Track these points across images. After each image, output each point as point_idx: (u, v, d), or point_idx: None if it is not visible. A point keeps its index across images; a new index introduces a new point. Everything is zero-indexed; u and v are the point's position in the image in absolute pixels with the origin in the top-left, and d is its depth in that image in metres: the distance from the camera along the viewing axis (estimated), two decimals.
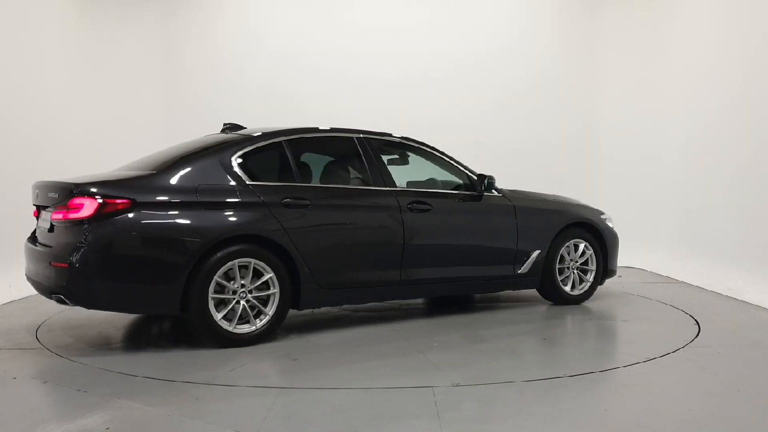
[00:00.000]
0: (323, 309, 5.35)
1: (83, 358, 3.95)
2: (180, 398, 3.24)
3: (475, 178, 5.30)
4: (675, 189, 7.66)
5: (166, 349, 4.28)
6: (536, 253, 5.41)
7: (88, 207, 3.88)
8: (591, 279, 5.71)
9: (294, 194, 4.44)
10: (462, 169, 5.35)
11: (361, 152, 4.91)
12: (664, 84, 7.95)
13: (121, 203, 3.92)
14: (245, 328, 4.21)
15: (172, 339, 4.63)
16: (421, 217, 4.89)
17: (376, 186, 4.84)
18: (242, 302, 4.18)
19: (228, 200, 4.21)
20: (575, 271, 5.65)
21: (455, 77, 8.43)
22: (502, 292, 6.08)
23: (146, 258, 3.97)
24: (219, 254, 4.08)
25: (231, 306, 4.15)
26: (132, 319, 5.05)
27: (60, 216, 3.98)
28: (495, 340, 4.53)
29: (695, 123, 7.32)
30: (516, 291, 5.95)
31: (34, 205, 4.52)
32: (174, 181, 4.16)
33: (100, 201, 3.89)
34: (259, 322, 4.25)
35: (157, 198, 4.05)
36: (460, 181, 5.35)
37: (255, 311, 4.25)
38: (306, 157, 4.91)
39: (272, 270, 4.26)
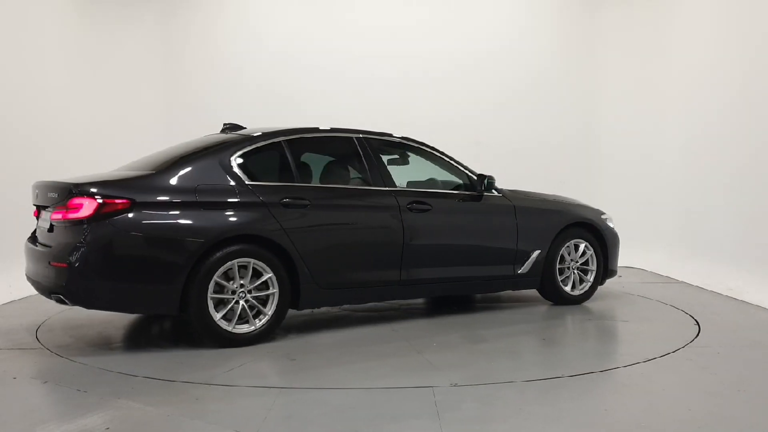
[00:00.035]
0: (323, 309, 5.35)
1: (83, 358, 3.95)
2: (180, 398, 3.24)
3: (475, 178, 5.29)
4: (675, 189, 7.66)
5: (166, 349, 4.28)
6: (536, 253, 5.41)
7: (87, 207, 3.89)
8: (591, 279, 5.71)
9: (293, 194, 4.44)
10: (462, 169, 5.35)
11: (361, 152, 4.91)
12: (664, 84, 7.95)
13: (121, 203, 3.92)
14: (244, 328, 4.21)
15: (172, 339, 4.63)
16: (420, 217, 4.89)
17: (375, 186, 4.84)
18: (241, 302, 4.18)
19: (227, 200, 4.21)
20: (575, 272, 5.65)
21: (455, 77, 8.43)
22: (502, 293, 6.08)
23: (145, 258, 3.97)
24: (218, 254, 4.08)
25: (230, 306, 4.15)
26: (132, 319, 5.05)
27: (59, 216, 3.98)
28: (494, 340, 4.53)
29: (695, 123, 7.32)
30: (516, 291, 5.95)
31: (34, 205, 4.52)
32: (173, 181, 4.16)
33: (100, 201, 3.89)
34: (259, 322, 4.25)
35: (157, 198, 4.05)
36: (460, 181, 5.35)
37: (254, 311, 4.25)
38: (305, 157, 4.91)
39: (271, 270, 4.26)
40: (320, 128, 4.98)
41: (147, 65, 8.29)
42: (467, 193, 5.28)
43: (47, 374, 3.68)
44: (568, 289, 5.60)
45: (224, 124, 5.13)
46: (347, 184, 4.93)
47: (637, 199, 8.14)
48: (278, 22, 8.38)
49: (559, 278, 5.56)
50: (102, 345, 4.35)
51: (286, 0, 8.46)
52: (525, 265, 5.38)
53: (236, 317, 4.17)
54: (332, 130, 5.01)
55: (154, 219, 3.99)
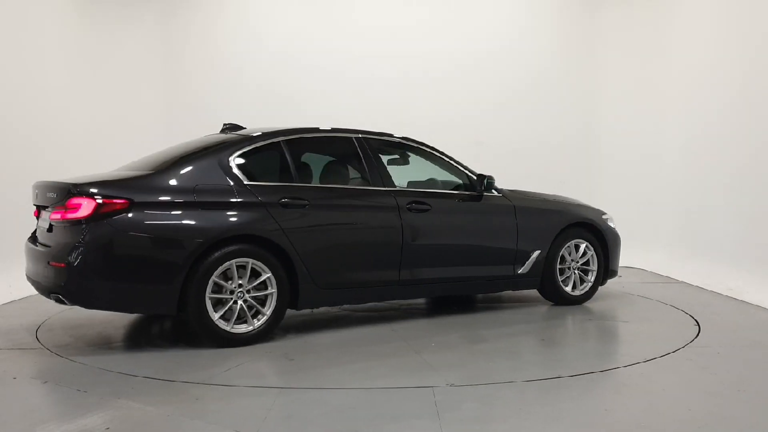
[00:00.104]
0: (322, 309, 5.35)
1: (83, 358, 3.95)
2: (180, 398, 3.24)
3: (475, 178, 5.29)
4: (675, 189, 7.66)
5: (165, 348, 4.28)
6: (536, 253, 5.40)
7: (85, 207, 3.89)
8: (592, 279, 5.70)
9: (292, 194, 4.44)
10: (462, 169, 5.35)
11: (360, 152, 4.91)
12: (664, 84, 7.95)
13: (119, 203, 3.92)
14: (242, 328, 4.21)
15: (171, 338, 4.63)
16: (420, 217, 4.89)
17: (375, 186, 4.84)
18: (240, 302, 4.19)
19: (226, 200, 4.22)
20: (576, 272, 5.65)
21: (455, 77, 8.43)
22: (503, 293, 6.07)
23: (144, 258, 3.97)
24: (216, 254, 4.09)
25: (229, 306, 4.15)
26: (132, 318, 5.05)
27: (58, 216, 3.98)
28: (494, 340, 4.53)
29: (695, 123, 7.32)
30: (517, 291, 5.95)
31: (35, 205, 4.52)
32: (172, 181, 4.16)
33: (98, 201, 3.89)
34: (257, 322, 4.25)
35: (155, 198, 4.05)
36: (460, 181, 5.34)
37: (253, 311, 4.25)
38: (305, 157, 4.91)
39: (270, 270, 4.26)
40: (320, 128, 4.98)
41: (147, 65, 8.29)
42: (467, 193, 5.27)
43: (47, 374, 3.68)
44: (568, 289, 5.60)
45: (224, 124, 5.13)
46: (346, 184, 4.92)
47: (637, 199, 8.14)
48: (278, 22, 8.38)
49: (560, 278, 5.55)
50: (102, 345, 4.35)
51: (286, 0, 8.46)
52: (525, 265, 5.37)
53: (235, 317, 4.17)
54: (332, 130, 5.01)
55: (153, 219, 3.99)
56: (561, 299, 5.60)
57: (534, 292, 5.78)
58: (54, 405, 3.29)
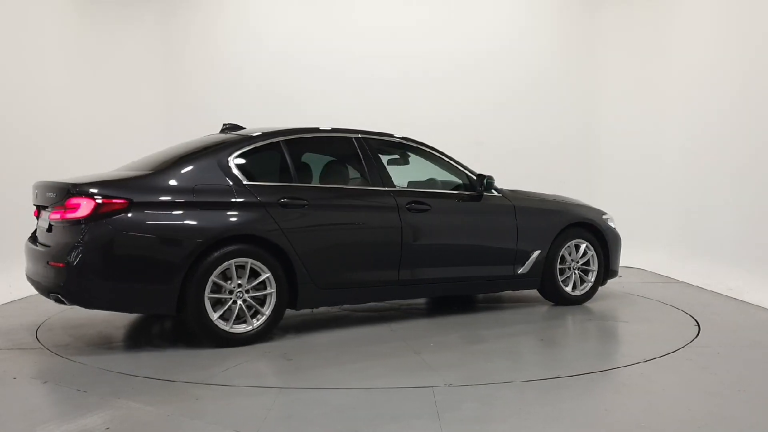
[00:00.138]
0: (322, 309, 5.35)
1: (83, 358, 3.95)
2: (180, 398, 3.24)
3: (475, 178, 5.29)
4: (675, 189, 7.65)
5: (166, 348, 4.28)
6: (536, 253, 5.40)
7: (85, 207, 3.89)
8: (592, 279, 5.70)
9: (291, 194, 4.44)
10: (461, 169, 5.35)
11: (360, 152, 4.91)
12: (664, 84, 7.95)
13: (118, 203, 3.92)
14: (241, 328, 4.21)
15: (172, 338, 4.63)
16: (419, 217, 4.89)
17: (374, 186, 4.84)
18: (239, 302, 4.19)
19: (225, 200, 4.22)
20: (576, 272, 5.64)
21: (455, 77, 8.43)
22: (503, 293, 6.07)
23: (143, 258, 3.97)
24: (216, 254, 4.09)
25: (228, 306, 4.16)
26: (132, 318, 5.05)
27: (58, 216, 3.99)
28: (494, 340, 4.53)
29: (695, 123, 7.32)
30: (517, 291, 5.94)
31: (35, 205, 4.52)
32: (171, 181, 4.16)
33: (97, 201, 3.89)
34: (256, 322, 4.26)
35: (154, 198, 4.05)
36: (460, 181, 5.34)
37: (252, 311, 4.25)
38: (304, 157, 4.91)
39: (269, 270, 4.26)
40: (320, 128, 4.98)
41: (147, 65, 8.29)
42: (466, 193, 5.27)
43: (47, 374, 3.68)
44: (568, 289, 5.60)
45: (224, 124, 5.13)
46: (346, 184, 4.92)
47: (637, 199, 8.14)
48: (278, 22, 8.38)
49: (560, 278, 5.55)
50: (102, 345, 4.35)
51: (286, 0, 8.46)
52: (525, 265, 5.37)
53: (234, 317, 4.17)
54: (332, 130, 5.01)
55: (152, 219, 3.99)
56: (561, 299, 5.60)
57: (534, 293, 5.78)
58: (54, 405, 3.29)
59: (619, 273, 6.14)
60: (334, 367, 3.83)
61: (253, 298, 4.24)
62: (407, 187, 5.21)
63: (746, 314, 5.36)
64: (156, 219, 4.01)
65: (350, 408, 3.12)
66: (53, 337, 4.53)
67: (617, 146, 8.44)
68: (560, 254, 5.53)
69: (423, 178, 5.43)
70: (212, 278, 4.08)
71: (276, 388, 3.45)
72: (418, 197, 4.95)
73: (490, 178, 5.27)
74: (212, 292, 4.10)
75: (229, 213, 4.21)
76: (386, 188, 4.86)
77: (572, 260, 5.62)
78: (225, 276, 4.16)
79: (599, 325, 5.07)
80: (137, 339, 4.60)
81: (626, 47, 8.42)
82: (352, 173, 5.00)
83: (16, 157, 6.39)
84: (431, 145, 5.35)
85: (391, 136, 5.20)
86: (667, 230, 7.73)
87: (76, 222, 3.90)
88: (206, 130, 5.43)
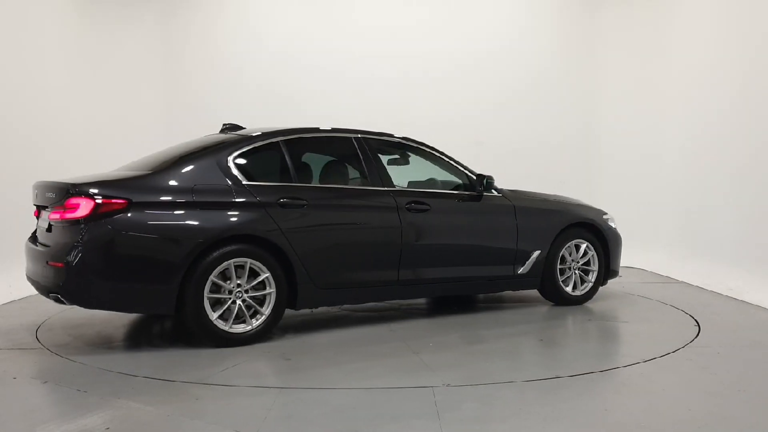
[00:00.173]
0: (323, 309, 5.35)
1: (83, 358, 3.95)
2: (180, 398, 3.24)
3: (475, 178, 5.29)
4: (675, 189, 7.65)
5: (166, 348, 4.28)
6: (537, 253, 5.40)
7: (84, 207, 3.89)
8: (592, 280, 5.70)
9: (290, 194, 4.44)
10: (461, 169, 5.35)
11: (359, 152, 4.91)
12: (664, 84, 7.94)
13: (117, 203, 3.92)
14: (240, 328, 4.21)
15: (172, 338, 4.63)
16: (419, 217, 4.89)
17: (374, 186, 4.84)
18: (238, 302, 4.19)
19: (224, 200, 4.22)
20: (577, 272, 5.64)
21: (455, 77, 8.43)
22: (503, 293, 6.07)
23: (142, 258, 3.97)
24: (215, 254, 4.09)
25: (227, 306, 4.16)
26: (132, 318, 5.05)
27: (57, 216, 3.99)
28: (493, 340, 4.53)
29: (695, 123, 7.32)
30: (518, 292, 5.94)
31: (35, 205, 4.52)
32: (170, 181, 4.16)
33: (96, 201, 3.90)
34: (255, 322, 4.26)
35: (153, 198, 4.06)
36: (460, 181, 5.34)
37: (251, 311, 4.25)
38: (304, 158, 4.91)
39: (268, 270, 4.26)
40: (320, 128, 4.98)
41: (147, 65, 8.29)
42: (466, 193, 5.27)
43: (47, 374, 3.68)
44: (569, 289, 5.59)
45: (224, 124, 5.13)
46: (345, 184, 4.92)
47: (637, 199, 8.14)
48: (278, 22, 8.38)
49: (560, 278, 5.55)
50: (102, 345, 4.35)
51: (286, 0, 8.46)
52: (525, 265, 5.37)
53: (233, 317, 4.17)
54: (332, 130, 5.01)
55: (151, 219, 4.00)
56: (561, 299, 5.60)
57: (535, 293, 5.78)
58: (54, 405, 3.29)
59: (620, 273, 6.14)
60: (333, 367, 3.83)
61: (252, 298, 4.24)
62: (407, 187, 5.21)
63: (746, 314, 5.36)
64: (155, 219, 4.01)
65: (350, 408, 3.12)
66: (53, 337, 4.53)
67: (617, 146, 8.44)
68: (560, 254, 5.53)
69: (423, 178, 5.43)
70: (211, 278, 4.08)
71: (276, 388, 3.45)
72: (417, 197, 4.95)
73: (489, 178, 5.26)
74: (211, 292, 4.10)
75: (228, 213, 4.20)
76: (386, 188, 4.86)
77: (572, 260, 5.62)
78: (224, 276, 4.16)
79: (599, 325, 5.07)
80: (137, 339, 4.60)
81: (626, 47, 8.42)
82: (352, 173, 5.00)
83: (16, 157, 6.39)
84: (431, 145, 5.35)
85: (391, 136, 5.20)
86: (667, 230, 7.73)
87: (76, 222, 3.90)
88: (206, 130, 5.43)
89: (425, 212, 4.92)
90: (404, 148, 5.31)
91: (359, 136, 4.98)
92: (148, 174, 4.19)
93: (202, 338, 4.16)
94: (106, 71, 8.02)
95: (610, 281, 5.98)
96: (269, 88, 8.21)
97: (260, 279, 4.25)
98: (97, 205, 3.89)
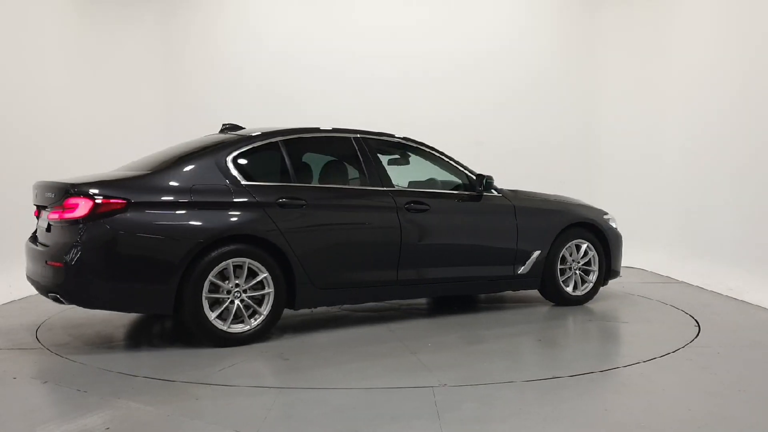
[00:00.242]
0: (322, 309, 5.35)
1: (83, 358, 3.95)
2: (180, 398, 3.24)
3: (474, 178, 5.29)
4: (675, 189, 7.65)
5: (166, 348, 4.28)
6: (537, 253, 5.39)
7: (82, 207, 3.89)
8: (593, 280, 5.69)
9: (289, 194, 4.43)
10: (461, 169, 5.34)
11: (359, 152, 4.90)
12: (664, 84, 7.95)
13: (116, 203, 3.93)
14: (239, 328, 4.21)
15: (172, 338, 4.63)
16: (418, 217, 4.89)
17: (373, 186, 4.84)
18: (237, 302, 4.19)
19: (222, 200, 4.22)
20: (577, 272, 5.64)
21: (455, 77, 8.43)
22: (504, 293, 6.07)
23: (140, 258, 3.97)
24: (213, 254, 4.09)
25: (225, 306, 4.16)
26: (132, 318, 5.05)
27: (56, 216, 3.99)
28: (492, 341, 4.52)
29: (695, 123, 7.32)
30: (518, 292, 5.94)
31: (35, 205, 4.52)
32: (169, 181, 4.16)
33: (95, 201, 3.90)
34: (254, 322, 4.26)
35: (152, 198, 4.06)
36: (460, 181, 5.34)
37: (250, 311, 4.25)
38: (303, 158, 4.91)
39: (267, 270, 4.26)
40: (320, 128, 4.98)
41: (147, 65, 8.29)
42: (466, 193, 5.27)
43: (47, 374, 3.68)
44: (569, 289, 5.59)
45: (223, 125, 5.13)
46: (345, 184, 4.92)
47: (637, 199, 8.14)
48: (278, 22, 8.38)
49: (561, 279, 5.54)
50: (102, 344, 4.35)
51: (286, 0, 8.46)
52: (525, 265, 5.37)
53: (231, 317, 4.17)
54: (332, 130, 5.01)
55: (150, 219, 4.00)
56: (562, 300, 5.59)
57: (535, 293, 5.78)
58: (54, 405, 3.29)
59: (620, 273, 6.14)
60: (332, 367, 3.83)
61: (250, 297, 4.24)
62: (408, 187, 5.20)
63: (746, 314, 5.36)
64: (153, 219, 4.01)
65: (350, 408, 3.12)
66: (53, 336, 4.53)
67: (617, 146, 8.44)
68: (561, 254, 5.52)
69: (423, 178, 5.43)
70: (210, 278, 4.08)
71: (276, 388, 3.45)
72: (417, 197, 4.95)
73: (489, 178, 5.26)
74: (210, 291, 4.10)
75: (226, 213, 4.20)
76: (385, 188, 4.86)
77: (573, 260, 5.61)
78: (223, 276, 4.16)
79: (599, 325, 5.07)
80: (137, 339, 4.60)
81: (626, 47, 8.42)
82: (351, 173, 5.00)
83: (16, 157, 6.39)
84: (431, 145, 5.35)
85: (391, 136, 5.20)
86: (667, 230, 7.73)
87: (74, 222, 3.90)
88: (206, 130, 5.43)
89: (424, 212, 4.92)
90: (404, 148, 5.31)
91: (358, 136, 4.98)
92: (147, 174, 4.19)
93: (201, 338, 4.16)
94: (106, 71, 8.02)
95: (610, 281, 5.97)
96: (269, 88, 8.21)
97: (259, 279, 4.25)
98: (95, 205, 3.89)
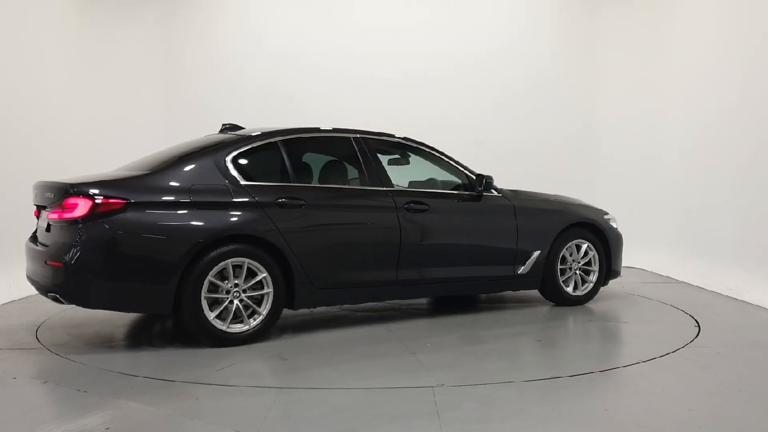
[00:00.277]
0: (321, 309, 5.35)
1: (83, 358, 3.95)
2: (180, 398, 3.24)
3: (474, 178, 5.28)
4: (675, 189, 7.65)
5: (166, 348, 4.28)
6: (537, 253, 5.39)
7: (82, 207, 3.89)
8: (593, 280, 5.69)
9: (288, 194, 4.43)
10: (461, 169, 5.34)
11: (358, 152, 4.90)
12: (664, 84, 7.95)
13: (115, 203, 3.93)
14: (238, 328, 4.21)
15: (172, 338, 4.62)
16: (418, 217, 4.89)
17: (372, 186, 4.84)
18: (236, 302, 4.19)
19: (221, 200, 4.22)
20: (577, 272, 5.63)
21: (455, 77, 8.43)
22: (505, 293, 6.07)
23: (139, 257, 3.97)
24: (212, 254, 4.09)
25: (224, 305, 4.16)
26: (132, 318, 5.05)
27: (56, 216, 3.99)
28: (492, 341, 4.52)
29: (695, 123, 7.32)
30: (518, 292, 5.94)
31: (35, 205, 4.52)
32: (168, 181, 4.16)
33: (95, 201, 3.90)
34: (253, 322, 4.26)
35: (151, 198, 4.06)
36: (460, 181, 5.34)
37: (249, 311, 4.25)
38: (302, 158, 4.91)
39: (266, 270, 4.26)
40: (320, 128, 4.98)
41: (147, 65, 8.29)
42: (466, 193, 5.27)
43: (47, 374, 3.68)
44: (569, 289, 5.58)
45: (223, 125, 5.13)
46: (344, 184, 4.92)
47: (637, 199, 8.14)
48: (278, 22, 8.38)
49: (561, 279, 5.54)
50: (102, 344, 4.35)
51: (286, 0, 8.46)
52: (525, 265, 5.37)
53: (230, 317, 4.17)
54: (332, 130, 5.01)
55: (149, 219, 4.00)
56: (562, 300, 5.59)
57: (535, 293, 5.78)
58: (54, 405, 3.29)
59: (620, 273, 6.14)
60: (331, 367, 3.83)
61: (250, 297, 4.24)
62: (408, 187, 5.20)
63: (746, 314, 5.36)
64: (153, 219, 4.01)
65: (350, 408, 3.12)
66: (53, 336, 4.53)
67: (617, 146, 8.44)
68: (561, 254, 5.52)
69: (423, 178, 5.43)
70: (209, 278, 4.08)
71: (275, 388, 3.45)
72: (416, 197, 4.95)
73: (489, 178, 5.26)
74: (209, 291, 4.10)
75: (226, 213, 4.20)
76: (385, 188, 4.86)
77: (573, 260, 5.61)
78: (222, 276, 4.16)
79: (599, 325, 5.07)
80: (137, 339, 4.60)
81: (626, 47, 8.42)
82: (351, 173, 5.00)
83: (16, 157, 6.39)
84: (431, 145, 5.35)
85: (391, 136, 5.20)
86: (667, 230, 7.73)
87: (74, 222, 3.90)
88: (206, 130, 5.43)
89: (424, 212, 4.92)
90: (404, 148, 5.31)
91: (358, 136, 4.98)
92: (146, 174, 4.19)
93: (200, 338, 4.16)
94: (106, 71, 8.02)
95: (610, 281, 5.97)
96: (269, 88, 8.21)
97: (258, 279, 4.25)
98: (95, 204, 3.89)
